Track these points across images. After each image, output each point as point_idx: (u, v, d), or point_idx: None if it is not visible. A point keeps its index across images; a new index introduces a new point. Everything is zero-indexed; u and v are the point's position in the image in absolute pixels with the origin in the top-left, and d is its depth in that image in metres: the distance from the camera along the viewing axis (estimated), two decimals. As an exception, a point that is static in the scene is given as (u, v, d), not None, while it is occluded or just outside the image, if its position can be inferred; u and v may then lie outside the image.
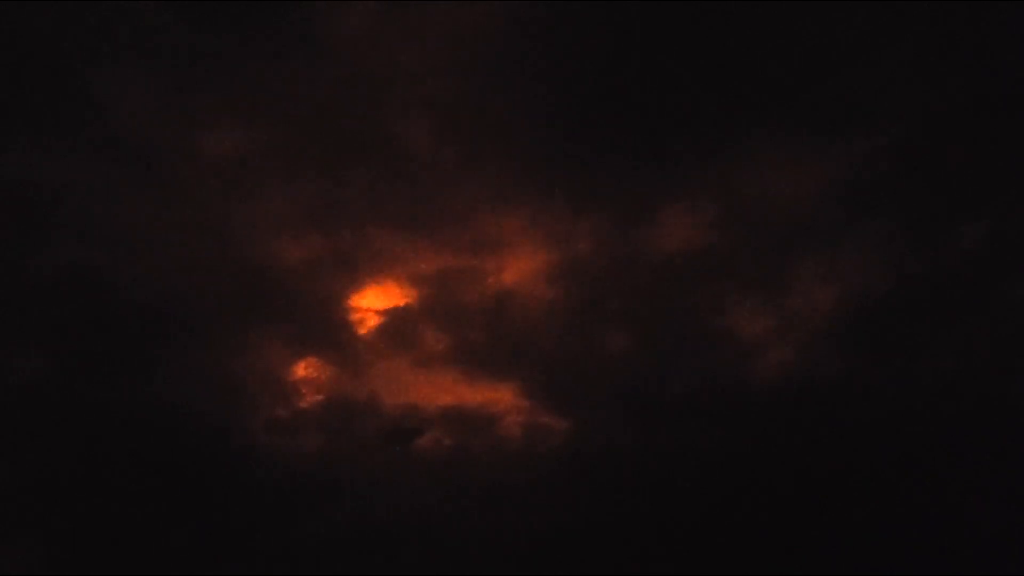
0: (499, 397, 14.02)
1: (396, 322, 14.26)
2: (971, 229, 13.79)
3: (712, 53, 13.63)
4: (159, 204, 14.03)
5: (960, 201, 13.82)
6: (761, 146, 13.95)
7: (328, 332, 14.25)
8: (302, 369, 14.19)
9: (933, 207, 13.85)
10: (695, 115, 13.90)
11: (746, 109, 13.81)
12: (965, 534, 12.89)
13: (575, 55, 13.68)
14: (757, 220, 14.05)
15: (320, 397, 14.07)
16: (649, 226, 14.13)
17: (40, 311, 13.85)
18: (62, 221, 13.84)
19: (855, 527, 13.10)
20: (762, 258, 14.09)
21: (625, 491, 13.42)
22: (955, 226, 13.83)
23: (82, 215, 13.83)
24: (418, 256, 14.25)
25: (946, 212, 13.84)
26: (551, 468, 13.61)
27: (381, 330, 14.25)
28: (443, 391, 14.03)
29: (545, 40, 13.65)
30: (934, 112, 13.69)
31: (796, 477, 13.30)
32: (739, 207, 14.07)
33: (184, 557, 13.46)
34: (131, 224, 13.95)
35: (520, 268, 14.25)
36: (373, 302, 14.32)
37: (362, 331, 14.24)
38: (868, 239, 13.92)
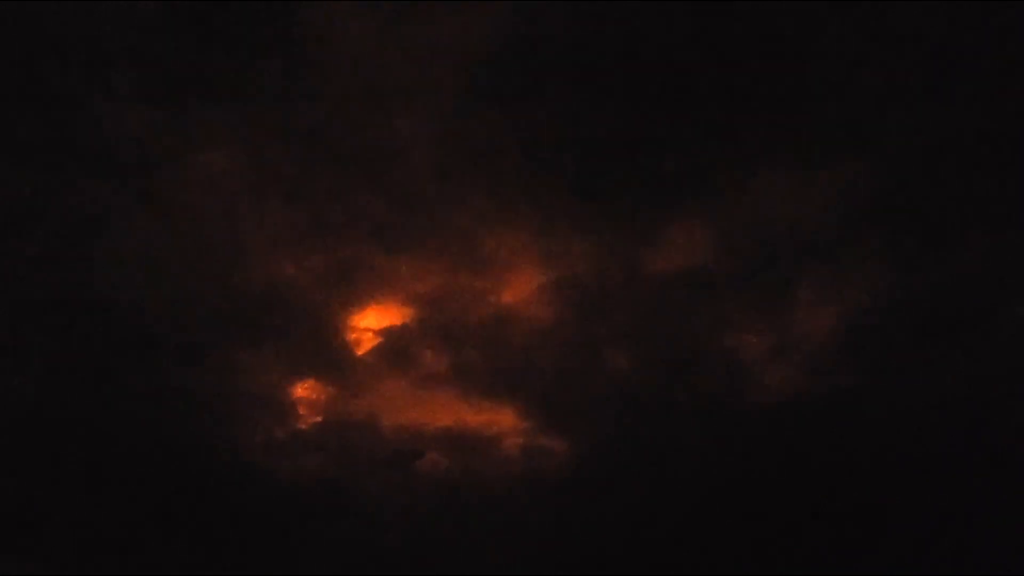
0: (499, 418, 13.99)
1: (394, 342, 14.15)
2: (973, 247, 13.74)
3: (711, 74, 13.49)
4: (156, 223, 13.87)
5: (961, 220, 13.77)
6: (761, 166, 13.81)
7: (326, 352, 14.12)
8: (300, 389, 14.11)
9: (934, 226, 13.77)
10: (694, 135, 13.76)
11: (745, 129, 13.68)
12: (966, 552, 12.93)
13: (575, 75, 13.54)
14: (757, 240, 13.94)
15: (318, 418, 14.02)
16: (649, 246, 14.01)
17: (36, 329, 13.70)
18: (59, 239, 13.71)
19: (857, 546, 13.15)
20: (762, 277, 13.99)
21: (626, 511, 13.41)
22: (956, 245, 13.77)
23: (79, 233, 13.65)
24: (416, 275, 14.09)
25: (947, 231, 13.77)
26: (551, 489, 13.58)
27: (379, 350, 14.14)
28: (442, 412, 13.99)
29: (545, 59, 13.49)
30: (934, 131, 13.57)
31: (798, 496, 13.32)
32: (739, 227, 13.92)
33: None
34: (128, 243, 13.77)
35: (519, 288, 14.14)
36: (371, 322, 14.21)
37: (360, 351, 14.16)
38: (868, 258, 13.85)
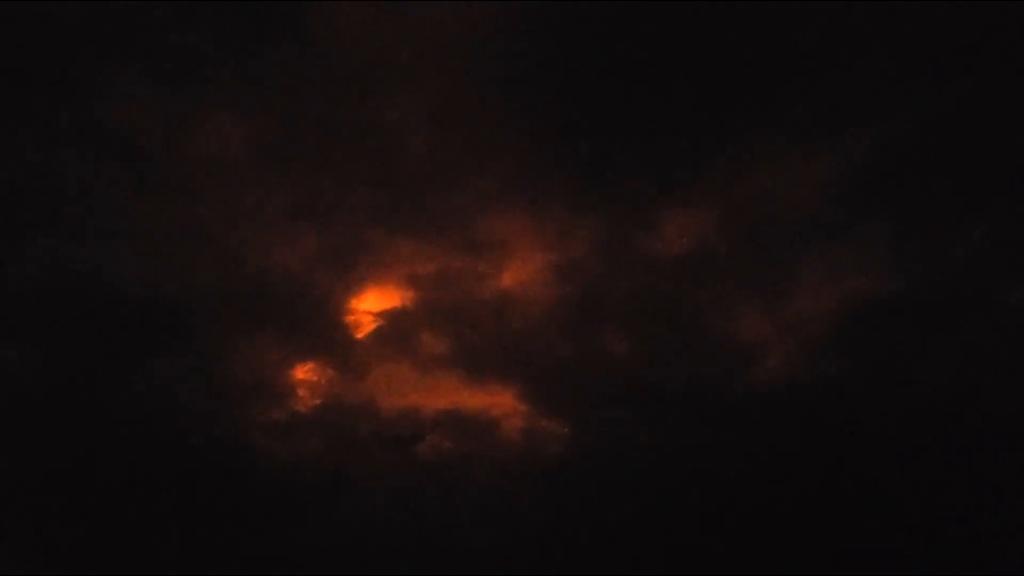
0: (498, 401, 13.96)
1: (394, 324, 14.11)
2: (974, 230, 13.69)
3: (710, 54, 13.39)
4: (152, 201, 13.78)
5: (962, 202, 13.70)
6: (761, 147, 13.74)
7: (325, 334, 14.08)
8: (299, 372, 14.07)
9: (935, 208, 13.71)
10: (694, 116, 13.67)
11: (745, 110, 13.60)
12: (966, 537, 12.95)
13: (574, 55, 13.43)
14: (757, 222, 13.92)
15: (318, 400, 13.98)
16: (649, 228, 13.97)
17: (31, 310, 13.61)
18: (53, 218, 13.57)
19: (855, 529, 13.16)
20: (762, 260, 13.96)
21: (626, 495, 13.41)
22: (958, 227, 13.72)
23: (73, 212, 13.52)
24: (415, 257, 14.06)
25: (948, 213, 13.71)
26: (551, 472, 13.57)
27: (378, 332, 14.10)
28: (442, 395, 13.96)
29: (544, 40, 13.39)
30: (935, 112, 13.50)
31: (797, 480, 13.32)
32: (739, 209, 13.92)
33: (179, 560, 13.41)
34: (124, 222, 13.68)
35: (519, 270, 14.11)
36: (370, 304, 14.17)
37: (359, 333, 14.12)
38: (869, 241, 13.81)
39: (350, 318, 14.09)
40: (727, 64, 13.42)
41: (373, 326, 14.08)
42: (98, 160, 13.53)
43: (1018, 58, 13.44)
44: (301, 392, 13.97)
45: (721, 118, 13.68)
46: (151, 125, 13.61)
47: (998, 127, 13.58)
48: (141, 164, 13.64)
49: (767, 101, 13.63)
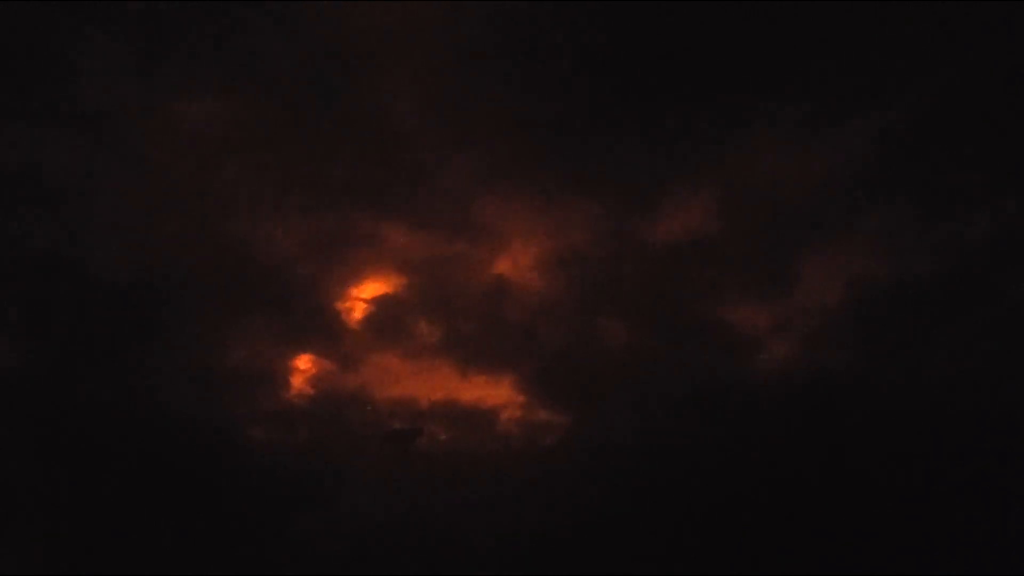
0: (495, 391, 13.62)
1: (387, 312, 13.76)
2: (979, 221, 13.49)
3: (715, 35, 13.20)
4: (139, 186, 13.42)
5: (968, 191, 13.52)
6: (765, 132, 13.54)
7: (316, 322, 13.74)
8: (290, 361, 13.69)
9: (941, 197, 13.53)
10: (697, 99, 13.48)
11: (750, 94, 13.42)
12: (967, 532, 12.75)
13: (572, 35, 13.20)
14: (761, 209, 13.68)
15: (309, 390, 13.60)
16: (649, 214, 13.72)
17: (15, 298, 13.24)
18: (37, 203, 13.16)
19: (858, 525, 12.91)
20: (766, 248, 13.70)
21: (625, 487, 13.11)
22: (963, 217, 13.53)
23: (58, 197, 13.16)
24: (410, 244, 13.76)
25: (954, 203, 13.53)
26: (549, 464, 13.25)
27: (371, 320, 13.75)
28: (437, 385, 13.61)
29: (541, 19, 13.14)
30: (943, 99, 13.34)
31: (799, 473, 13.07)
32: (743, 195, 13.68)
33: (171, 552, 13.03)
34: (110, 208, 13.31)
35: (515, 256, 13.82)
36: (362, 291, 13.83)
37: (351, 321, 13.77)
38: (874, 230, 13.61)
39: (343, 305, 13.74)
40: (733, 47, 13.22)
41: (366, 313, 13.73)
42: (84, 144, 13.20)
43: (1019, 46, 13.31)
44: (292, 381, 13.60)
45: (723, 105, 13.51)
46: (139, 106, 13.31)
47: (1003, 114, 13.41)
48: (128, 147, 13.30)
49: (769, 88, 13.45)
